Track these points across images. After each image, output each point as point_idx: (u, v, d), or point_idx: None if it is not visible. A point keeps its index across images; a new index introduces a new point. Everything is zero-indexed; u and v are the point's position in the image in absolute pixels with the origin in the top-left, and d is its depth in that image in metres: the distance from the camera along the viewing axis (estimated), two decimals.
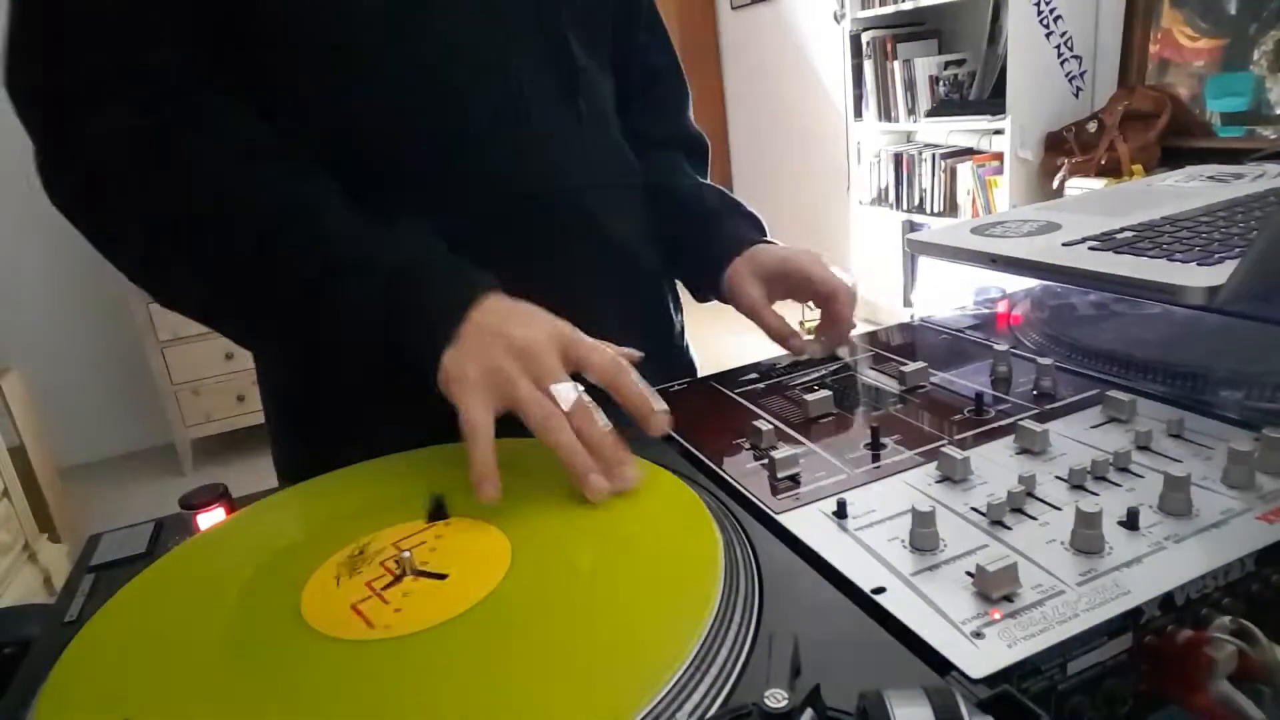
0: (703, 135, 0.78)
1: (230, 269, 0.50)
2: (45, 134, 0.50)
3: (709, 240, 0.69)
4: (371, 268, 0.49)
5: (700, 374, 0.66)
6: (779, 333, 0.64)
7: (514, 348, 0.45)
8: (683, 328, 0.75)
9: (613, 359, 0.46)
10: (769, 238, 0.69)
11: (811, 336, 0.64)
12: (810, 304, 0.66)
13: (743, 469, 0.46)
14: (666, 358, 0.71)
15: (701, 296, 0.73)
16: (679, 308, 0.74)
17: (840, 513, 0.39)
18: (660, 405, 0.46)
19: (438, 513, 0.43)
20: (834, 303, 0.62)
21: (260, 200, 0.50)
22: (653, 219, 0.70)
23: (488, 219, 0.57)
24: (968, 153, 2.70)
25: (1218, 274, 0.47)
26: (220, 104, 0.52)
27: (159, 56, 0.50)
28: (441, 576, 0.37)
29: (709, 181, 0.74)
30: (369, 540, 0.41)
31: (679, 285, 0.75)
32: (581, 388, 0.45)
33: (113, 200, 0.50)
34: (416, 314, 0.47)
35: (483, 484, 0.42)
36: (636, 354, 0.48)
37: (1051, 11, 2.28)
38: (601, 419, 0.44)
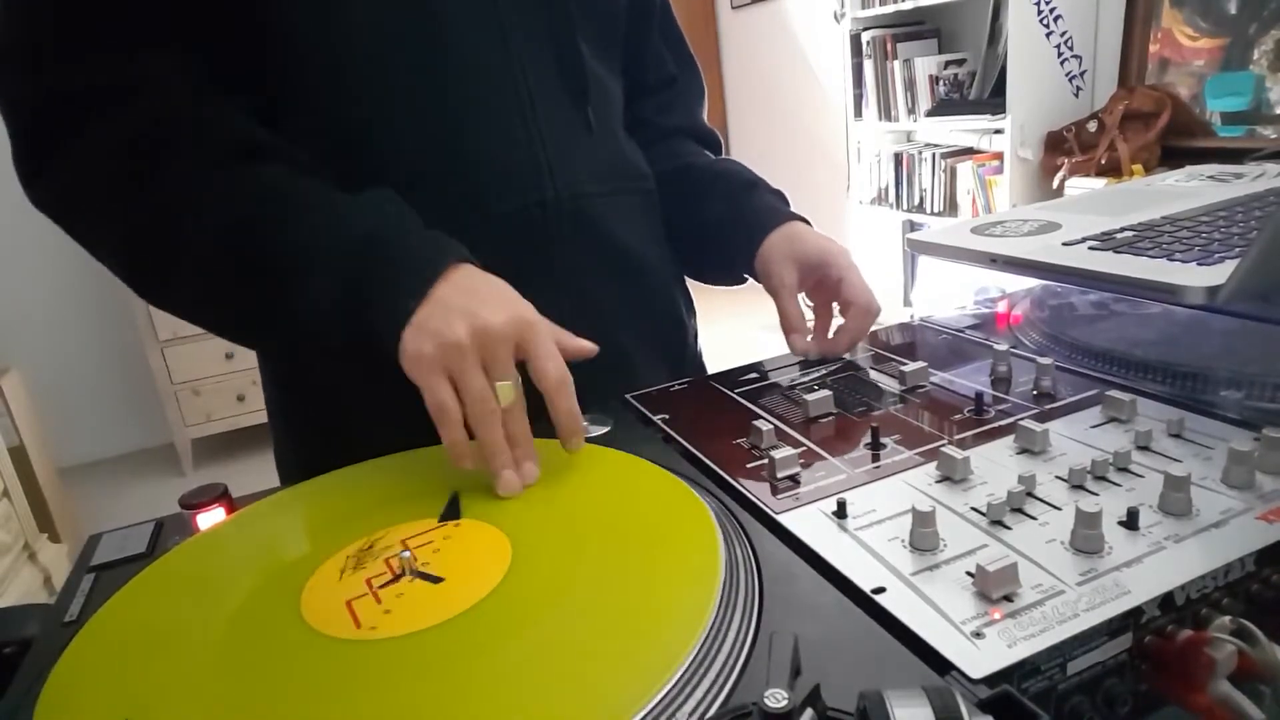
0: (715, 132, 0.78)
1: (206, 260, 0.49)
2: (29, 139, 0.50)
3: (747, 211, 0.68)
4: (336, 238, 0.48)
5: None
6: (792, 323, 0.63)
7: (474, 328, 0.45)
8: (696, 333, 0.74)
9: (560, 373, 0.46)
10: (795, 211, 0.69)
11: (812, 337, 0.63)
12: (809, 302, 0.66)
13: (743, 469, 0.46)
14: (680, 364, 0.71)
15: (727, 276, 0.72)
16: (691, 312, 0.74)
17: (840, 513, 0.39)
18: (580, 433, 0.48)
19: (450, 512, 0.43)
20: (856, 315, 0.62)
21: (235, 191, 0.49)
22: (672, 203, 0.70)
23: (495, 226, 0.57)
24: (968, 152, 2.70)
25: (1218, 274, 0.47)
26: (209, 114, 0.51)
27: (149, 67, 0.50)
28: (438, 580, 0.37)
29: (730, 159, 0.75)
30: (380, 535, 0.41)
31: (690, 285, 0.75)
32: (518, 386, 0.46)
33: (94, 211, 0.51)
34: (379, 286, 0.47)
35: (462, 462, 0.45)
36: (592, 348, 0.50)
37: (1051, 11, 2.28)
38: (526, 421, 0.46)
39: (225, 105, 0.52)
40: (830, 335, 0.64)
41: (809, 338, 0.63)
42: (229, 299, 0.51)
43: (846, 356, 0.62)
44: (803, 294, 0.65)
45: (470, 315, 0.45)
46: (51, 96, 0.49)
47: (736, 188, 0.70)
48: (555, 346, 0.47)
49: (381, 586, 0.37)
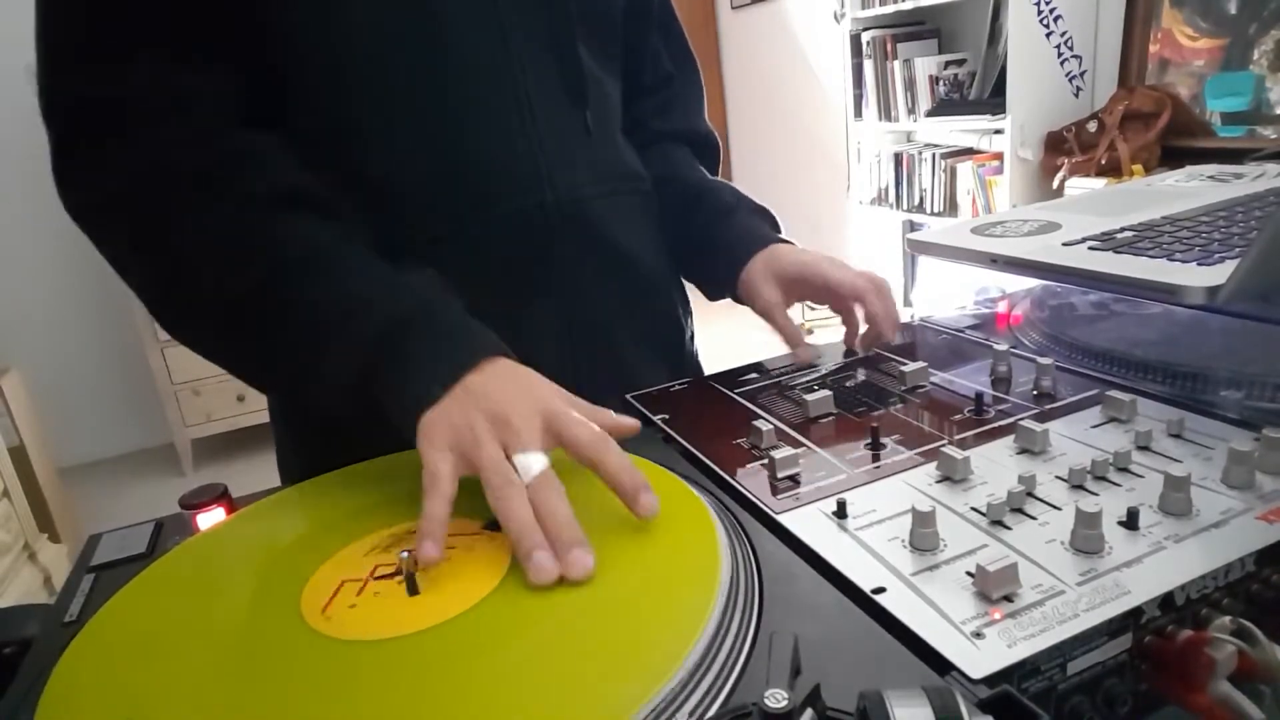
0: (714, 134, 0.77)
1: (235, 312, 0.49)
2: (70, 145, 0.50)
3: (725, 238, 0.68)
4: (371, 314, 0.47)
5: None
6: (790, 337, 0.64)
7: (490, 411, 0.43)
8: (693, 333, 0.75)
9: (597, 435, 0.42)
10: (783, 234, 0.69)
11: (811, 336, 0.64)
12: (810, 304, 0.66)
13: (743, 469, 0.46)
14: (677, 365, 0.71)
15: (715, 295, 0.73)
16: (688, 312, 0.74)
17: (840, 513, 0.39)
18: (648, 488, 0.40)
19: (496, 523, 0.40)
20: (867, 306, 0.62)
21: (274, 245, 0.49)
22: (662, 214, 0.70)
23: (495, 227, 0.57)
24: (968, 152, 2.70)
25: (1218, 274, 0.47)
26: (252, 145, 0.51)
27: (197, 83, 0.50)
28: (415, 592, 0.36)
29: (719, 178, 0.74)
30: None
31: (687, 286, 0.75)
32: (548, 461, 0.41)
33: (129, 231, 0.50)
34: (404, 370, 0.46)
35: (424, 541, 0.38)
36: (635, 424, 0.46)
37: (1051, 11, 2.28)
38: (563, 499, 0.40)
39: (269, 135, 0.52)
40: (865, 335, 0.64)
41: (812, 340, 0.63)
42: (245, 357, 0.51)
43: (845, 358, 0.62)
44: (800, 305, 0.66)
45: (489, 398, 0.43)
46: (98, 106, 0.48)
47: (716, 213, 0.70)
48: (584, 416, 0.44)
49: (377, 578, 0.37)
